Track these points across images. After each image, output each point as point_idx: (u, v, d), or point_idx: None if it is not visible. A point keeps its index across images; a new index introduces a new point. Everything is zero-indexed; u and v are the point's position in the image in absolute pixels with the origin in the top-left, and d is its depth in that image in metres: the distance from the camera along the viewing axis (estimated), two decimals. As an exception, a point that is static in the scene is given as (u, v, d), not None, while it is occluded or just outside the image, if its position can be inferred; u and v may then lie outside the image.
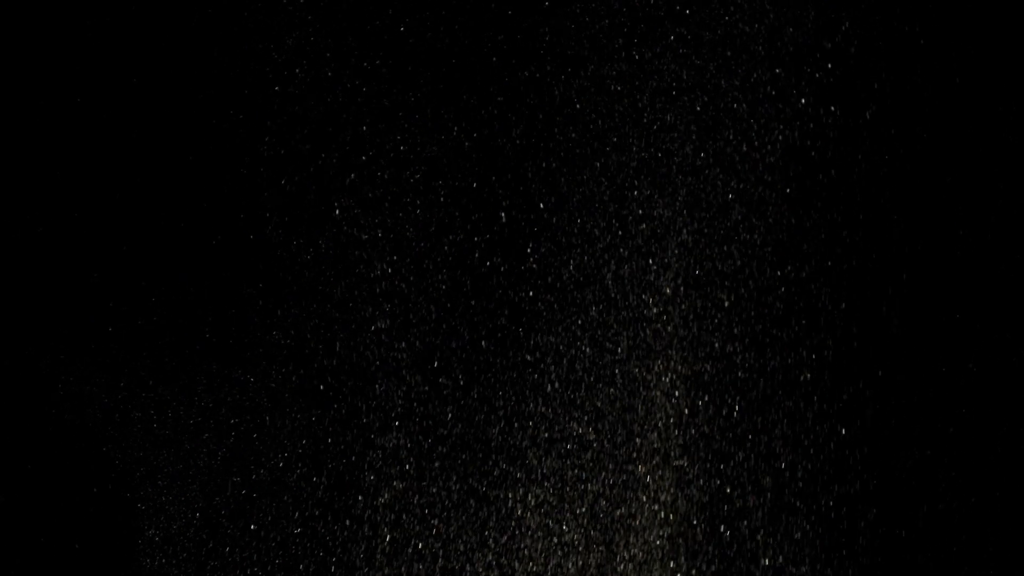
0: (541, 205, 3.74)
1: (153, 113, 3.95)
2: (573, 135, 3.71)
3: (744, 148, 3.58)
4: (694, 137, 3.62)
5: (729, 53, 3.58)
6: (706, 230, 3.61)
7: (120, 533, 4.02)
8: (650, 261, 3.67)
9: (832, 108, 3.51)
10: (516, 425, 3.74)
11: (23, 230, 3.99)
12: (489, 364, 3.77)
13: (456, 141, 3.81)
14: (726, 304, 3.58)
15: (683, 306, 3.63)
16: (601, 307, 3.70)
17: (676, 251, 3.63)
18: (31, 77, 3.98)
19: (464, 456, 3.78)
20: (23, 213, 3.99)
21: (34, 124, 3.99)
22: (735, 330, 3.56)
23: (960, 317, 3.43)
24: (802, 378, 3.51)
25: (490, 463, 3.75)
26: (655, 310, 3.65)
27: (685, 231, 3.63)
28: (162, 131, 3.95)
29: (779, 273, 3.55)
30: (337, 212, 3.87)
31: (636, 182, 3.67)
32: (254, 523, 3.95)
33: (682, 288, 3.62)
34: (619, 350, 3.67)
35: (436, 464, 3.79)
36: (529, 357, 3.75)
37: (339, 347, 3.89)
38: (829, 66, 3.51)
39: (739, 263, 3.58)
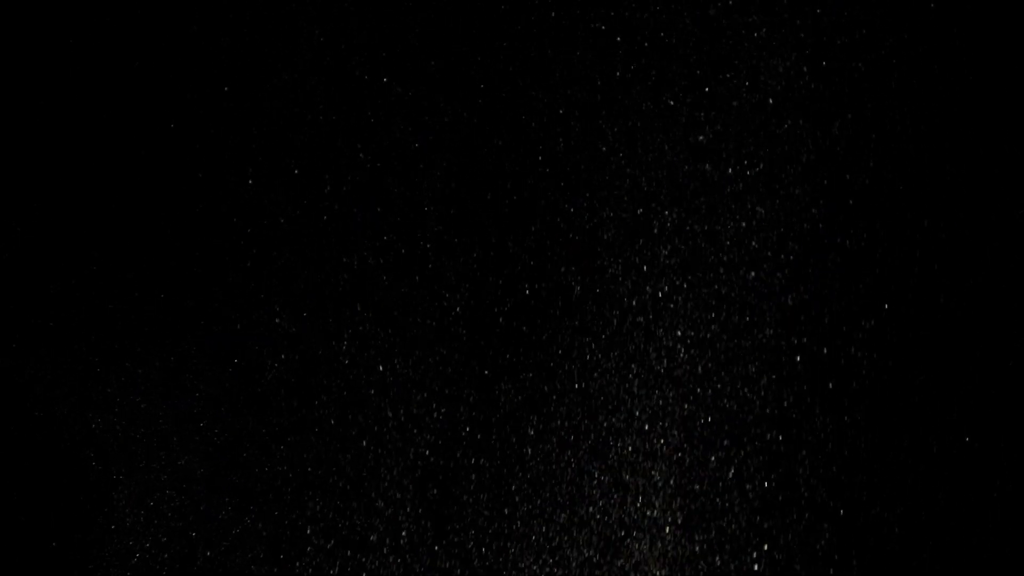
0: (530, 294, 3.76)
1: (147, 115, 3.96)
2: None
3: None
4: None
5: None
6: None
7: (95, 536, 3.98)
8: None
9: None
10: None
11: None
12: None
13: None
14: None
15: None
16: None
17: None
18: (31, 77, 3.99)
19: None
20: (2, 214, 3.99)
21: (32, 125, 4.00)
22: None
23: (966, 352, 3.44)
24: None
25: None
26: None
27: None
28: (152, 133, 3.95)
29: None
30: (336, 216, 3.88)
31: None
32: (236, 527, 3.92)
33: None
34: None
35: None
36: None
37: (321, 354, 3.88)
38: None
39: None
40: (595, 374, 3.68)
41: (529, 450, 3.72)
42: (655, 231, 3.64)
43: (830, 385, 3.46)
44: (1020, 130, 3.41)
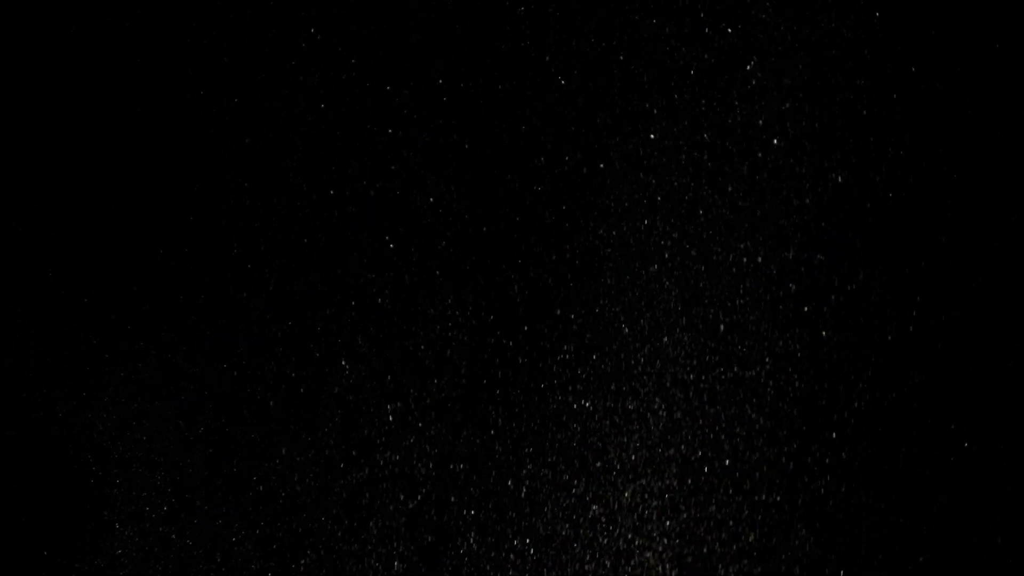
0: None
1: (145, 114, 3.95)
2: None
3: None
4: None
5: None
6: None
7: (89, 539, 3.98)
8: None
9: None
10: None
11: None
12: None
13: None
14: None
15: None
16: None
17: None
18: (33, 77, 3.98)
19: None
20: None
21: (30, 125, 3.99)
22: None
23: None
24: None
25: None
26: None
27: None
28: (150, 133, 3.94)
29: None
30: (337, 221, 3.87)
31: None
32: (231, 534, 3.92)
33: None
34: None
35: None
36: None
37: (318, 355, 3.87)
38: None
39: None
40: (591, 412, 3.66)
41: (524, 489, 3.70)
42: (654, 267, 3.61)
43: (829, 430, 3.44)
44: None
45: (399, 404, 3.82)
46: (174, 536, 3.97)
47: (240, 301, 3.92)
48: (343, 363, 3.85)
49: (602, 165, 3.65)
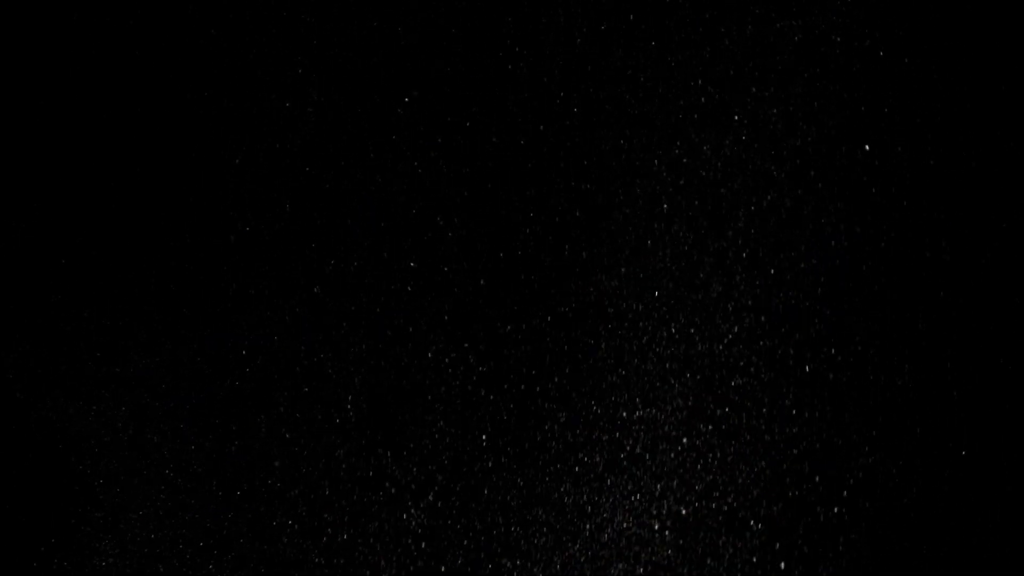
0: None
1: (142, 114, 3.94)
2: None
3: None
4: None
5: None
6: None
7: (75, 539, 4.00)
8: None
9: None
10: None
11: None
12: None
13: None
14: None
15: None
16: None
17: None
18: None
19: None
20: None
21: (28, 124, 3.99)
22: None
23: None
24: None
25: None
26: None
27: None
28: (147, 132, 3.94)
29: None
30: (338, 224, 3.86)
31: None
32: (221, 534, 3.93)
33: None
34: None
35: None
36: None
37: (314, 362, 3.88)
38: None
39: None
40: (582, 466, 3.66)
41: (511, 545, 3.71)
42: (653, 318, 3.60)
43: (831, 490, 3.43)
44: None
45: (399, 404, 3.84)
46: (164, 536, 3.99)
47: (238, 301, 3.92)
48: (343, 363, 3.86)
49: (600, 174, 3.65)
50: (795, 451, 3.41)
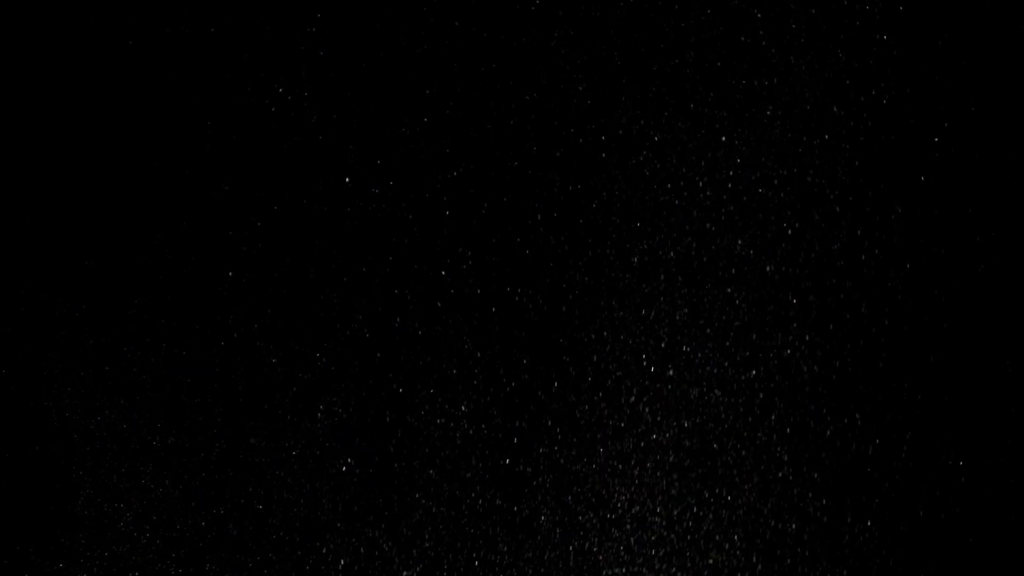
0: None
1: (140, 114, 3.94)
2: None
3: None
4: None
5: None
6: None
7: (55, 536, 3.97)
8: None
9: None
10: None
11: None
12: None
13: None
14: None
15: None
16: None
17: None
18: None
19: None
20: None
21: (27, 125, 3.99)
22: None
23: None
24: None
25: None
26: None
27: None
28: (146, 132, 3.94)
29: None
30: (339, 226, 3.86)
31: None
32: (205, 535, 3.91)
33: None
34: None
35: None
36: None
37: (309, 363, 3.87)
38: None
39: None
40: (580, 479, 3.66)
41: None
42: (652, 328, 3.61)
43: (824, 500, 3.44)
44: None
45: (398, 407, 3.83)
46: (155, 537, 3.97)
47: (234, 300, 3.91)
48: (341, 365, 3.85)
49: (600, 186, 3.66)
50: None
